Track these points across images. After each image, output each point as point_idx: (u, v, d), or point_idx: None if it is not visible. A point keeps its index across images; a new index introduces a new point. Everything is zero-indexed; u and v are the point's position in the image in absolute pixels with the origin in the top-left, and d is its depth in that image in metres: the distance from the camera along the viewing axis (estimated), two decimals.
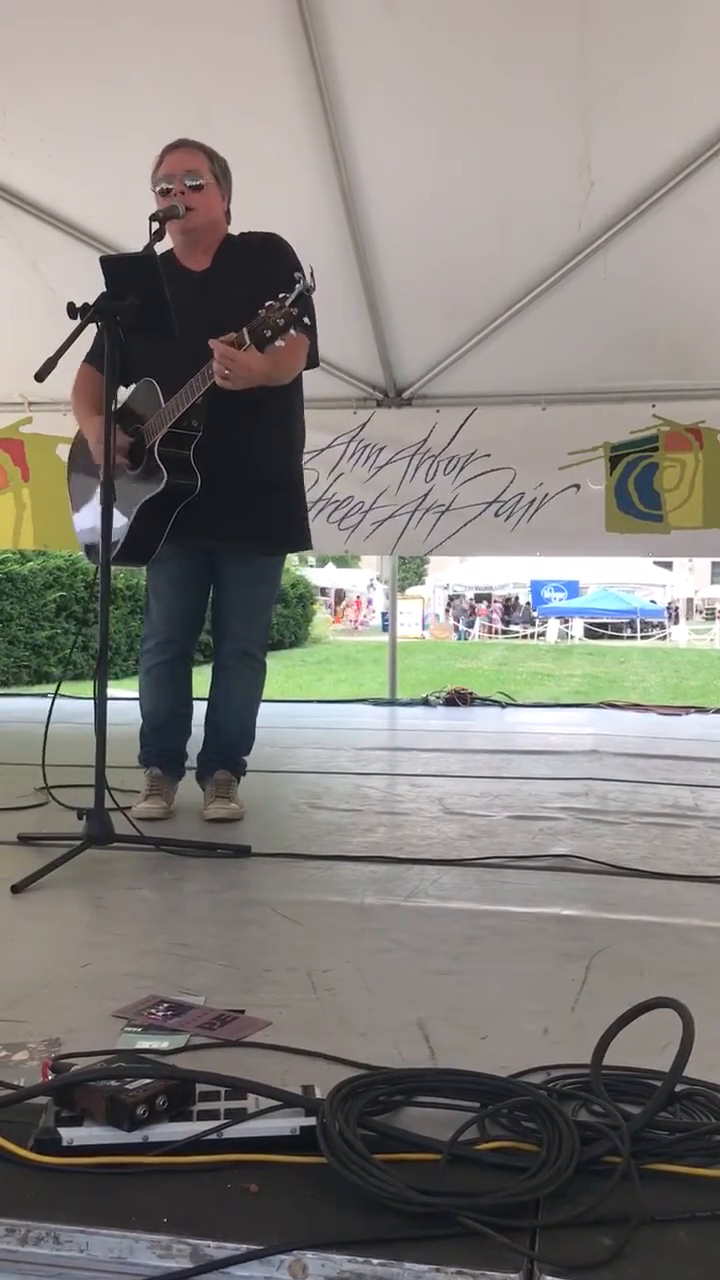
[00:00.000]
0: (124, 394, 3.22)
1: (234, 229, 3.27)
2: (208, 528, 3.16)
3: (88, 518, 3.37)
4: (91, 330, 2.86)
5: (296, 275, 2.74)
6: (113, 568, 2.92)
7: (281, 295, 2.72)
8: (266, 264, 3.13)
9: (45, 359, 2.72)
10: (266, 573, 3.38)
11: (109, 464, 2.78)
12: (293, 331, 2.77)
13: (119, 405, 3.10)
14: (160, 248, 3.14)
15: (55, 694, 3.16)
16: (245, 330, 2.77)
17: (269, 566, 3.39)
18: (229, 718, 3.40)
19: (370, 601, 35.67)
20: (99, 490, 3.13)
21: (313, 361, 3.19)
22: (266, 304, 2.74)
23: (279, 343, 2.77)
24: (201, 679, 3.43)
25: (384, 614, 32.71)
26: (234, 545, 3.25)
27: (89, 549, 3.37)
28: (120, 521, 3.09)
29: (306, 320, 2.83)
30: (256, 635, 3.39)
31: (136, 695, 3.49)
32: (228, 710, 3.40)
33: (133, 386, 3.20)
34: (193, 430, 3.04)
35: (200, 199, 3.09)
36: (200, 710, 3.45)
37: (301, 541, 3.39)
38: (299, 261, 3.14)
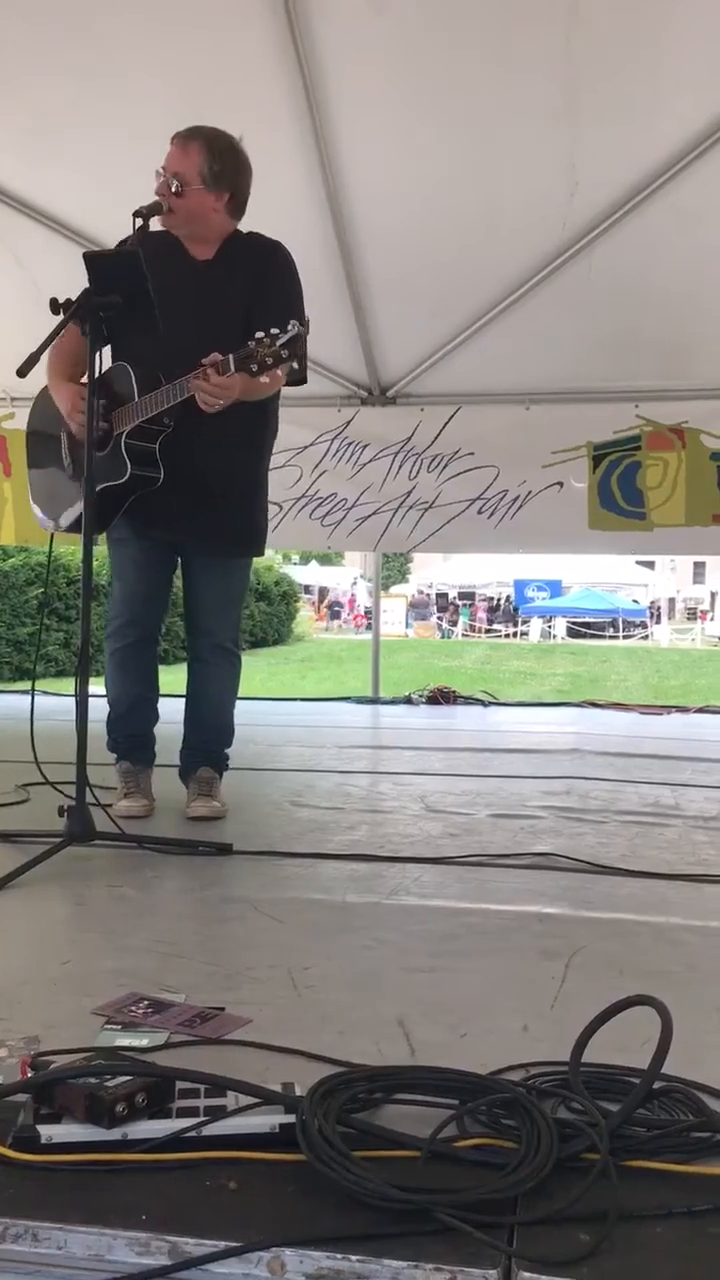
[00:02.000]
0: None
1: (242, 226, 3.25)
2: (173, 525, 3.18)
3: (47, 488, 3.39)
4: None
5: (292, 324, 2.72)
6: (95, 563, 2.92)
7: (274, 331, 2.72)
8: (268, 275, 3.15)
9: (28, 354, 2.72)
10: (233, 569, 3.39)
11: (89, 465, 2.77)
12: (279, 371, 2.80)
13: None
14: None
15: (32, 690, 3.15)
16: (231, 357, 2.77)
17: (239, 563, 3.41)
18: (207, 711, 3.40)
19: (353, 598, 35.58)
20: (64, 467, 3.31)
21: (301, 378, 3.19)
22: (257, 335, 2.73)
23: (263, 378, 2.78)
24: (178, 677, 3.43)
25: (332, 608, 32.56)
26: (198, 546, 3.27)
27: (45, 517, 3.42)
28: (77, 497, 3.11)
29: (295, 366, 2.85)
30: (228, 629, 3.40)
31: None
32: (206, 704, 3.40)
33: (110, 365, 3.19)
34: (163, 426, 3.05)
35: (179, 202, 3.07)
36: (178, 706, 3.44)
37: (259, 545, 3.41)
38: (300, 283, 3.17)
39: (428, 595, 35.46)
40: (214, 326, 2.99)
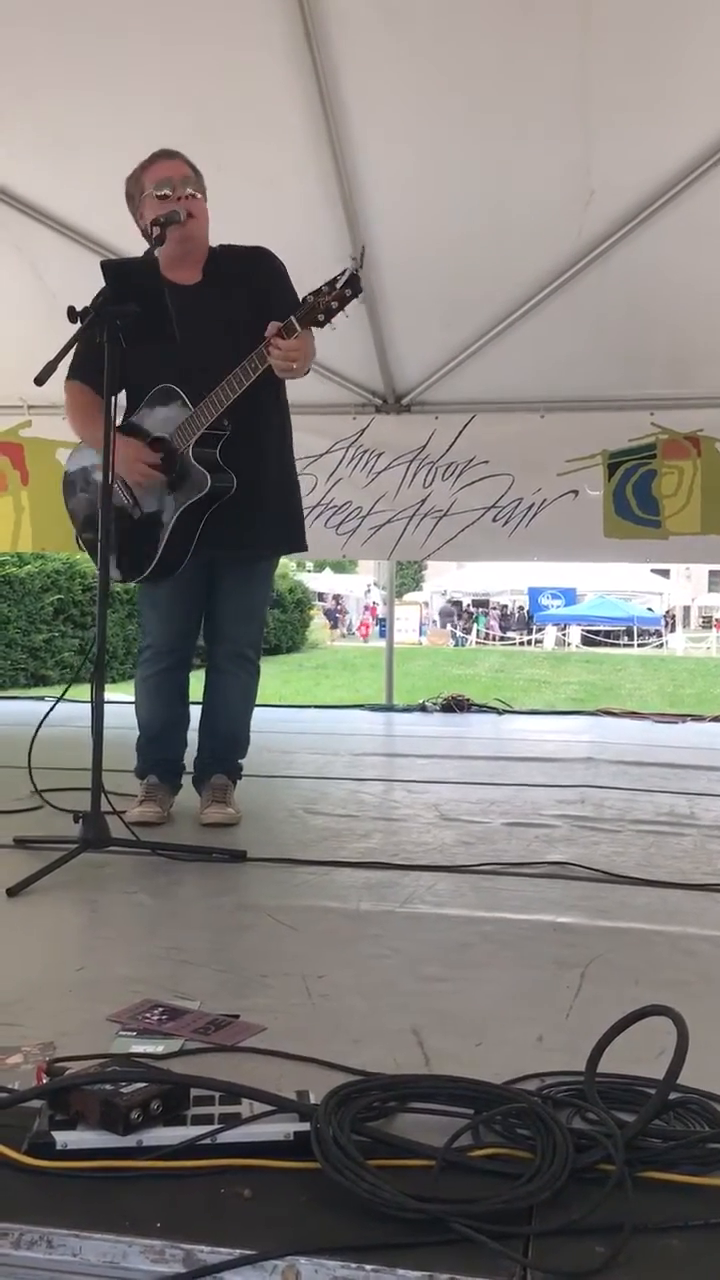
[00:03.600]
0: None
1: (227, 238, 3.29)
2: (215, 537, 3.17)
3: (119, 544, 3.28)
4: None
5: (346, 269, 2.82)
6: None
7: (333, 279, 2.80)
8: (268, 279, 3.19)
9: (45, 363, 2.74)
10: (263, 576, 3.41)
11: (108, 465, 2.79)
12: (345, 313, 2.85)
13: (134, 419, 3.12)
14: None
15: (59, 698, 3.15)
16: (294, 318, 2.84)
17: (266, 570, 3.43)
18: (225, 721, 3.40)
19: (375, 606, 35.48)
20: (130, 512, 3.23)
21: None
22: (315, 290, 2.81)
23: (330, 325, 2.84)
24: (193, 684, 3.44)
25: (329, 615, 32.61)
26: (241, 553, 3.27)
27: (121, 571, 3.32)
28: (153, 538, 3.14)
29: (361, 301, 2.94)
30: (252, 638, 3.41)
31: (133, 701, 3.48)
32: (224, 713, 3.40)
33: (142, 397, 3.21)
34: (223, 429, 3.07)
35: (198, 207, 3.13)
36: (194, 715, 3.45)
37: (301, 542, 3.44)
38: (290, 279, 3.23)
39: (450, 606, 35.37)
40: (226, 345, 3.04)
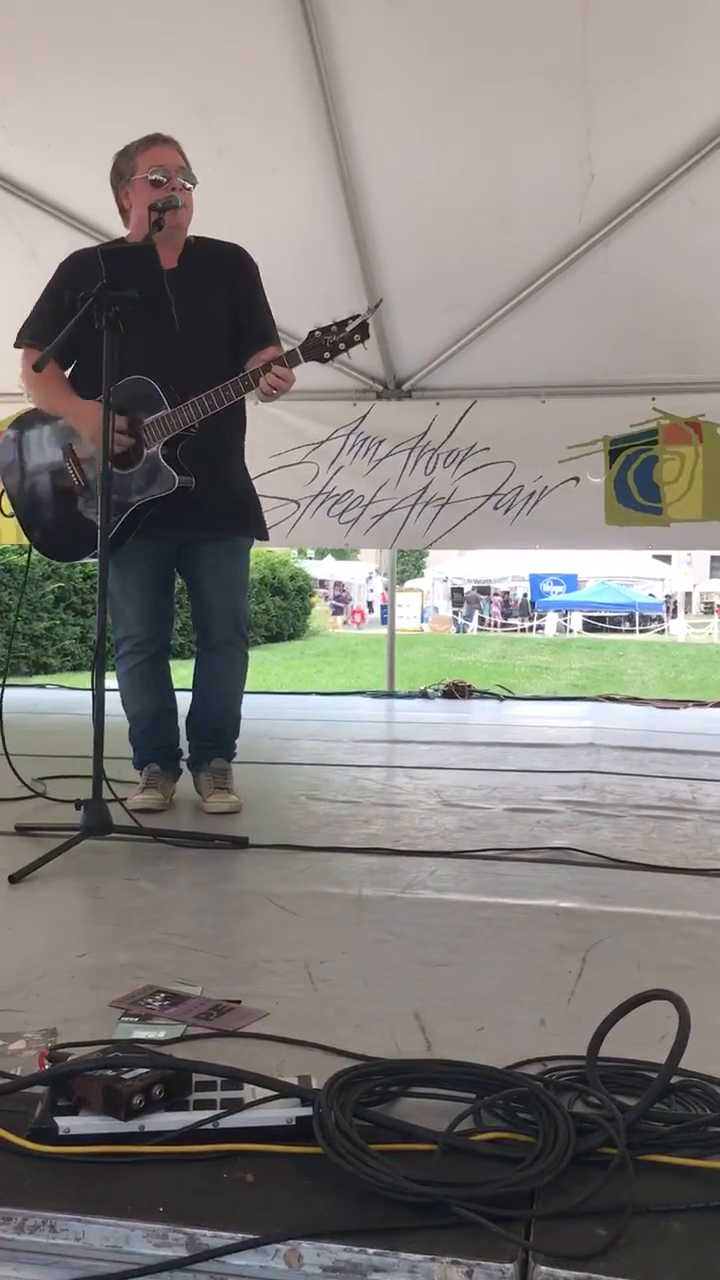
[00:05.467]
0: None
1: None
2: (188, 521, 3.18)
3: (60, 523, 3.31)
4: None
5: (360, 314, 2.93)
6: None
7: (344, 320, 2.90)
8: (246, 279, 3.25)
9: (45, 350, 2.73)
10: (241, 550, 3.41)
11: (108, 454, 2.78)
12: (348, 355, 2.96)
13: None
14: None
15: (3, 683, 3.12)
16: (299, 350, 2.93)
17: (242, 546, 3.42)
18: (222, 702, 3.40)
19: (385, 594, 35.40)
20: (80, 492, 3.23)
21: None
22: (323, 327, 2.89)
23: (333, 361, 2.95)
24: (183, 671, 3.43)
25: (335, 602, 32.64)
26: (214, 533, 3.28)
27: (53, 545, 3.38)
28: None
29: (365, 347, 3.01)
30: (244, 613, 3.42)
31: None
32: (221, 695, 3.40)
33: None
34: (192, 432, 3.07)
35: (189, 197, 3.14)
36: (182, 699, 3.45)
37: (263, 529, 3.47)
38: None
39: (475, 594, 35.24)
40: (199, 331, 3.10)
